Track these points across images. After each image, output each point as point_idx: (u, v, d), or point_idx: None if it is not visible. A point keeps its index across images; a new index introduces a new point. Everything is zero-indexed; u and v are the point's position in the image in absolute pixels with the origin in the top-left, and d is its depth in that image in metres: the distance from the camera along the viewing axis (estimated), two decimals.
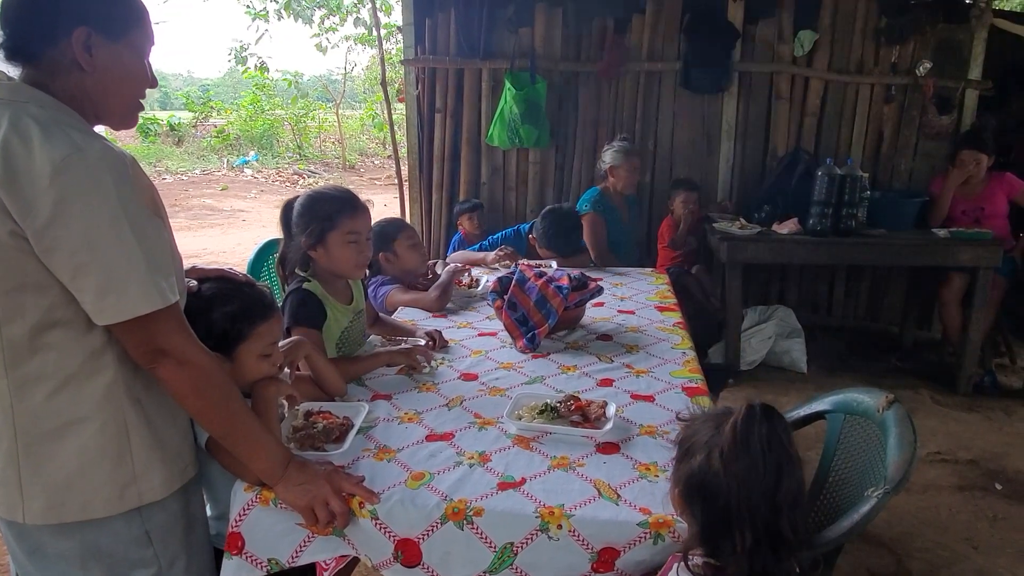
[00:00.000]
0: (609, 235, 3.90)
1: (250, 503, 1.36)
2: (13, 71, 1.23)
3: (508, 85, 4.38)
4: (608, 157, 3.98)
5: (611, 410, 1.64)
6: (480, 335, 2.26)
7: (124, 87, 1.26)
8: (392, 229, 2.65)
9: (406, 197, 5.06)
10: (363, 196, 2.01)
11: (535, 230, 3.21)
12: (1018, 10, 8.41)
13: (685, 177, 4.40)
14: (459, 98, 4.67)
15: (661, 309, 2.54)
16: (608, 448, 1.54)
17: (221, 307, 1.43)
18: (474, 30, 4.50)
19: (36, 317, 1.17)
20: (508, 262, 3.06)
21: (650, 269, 3.23)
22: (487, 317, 2.44)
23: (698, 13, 4.33)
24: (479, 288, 2.75)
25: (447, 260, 3.17)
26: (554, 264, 3.04)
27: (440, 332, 2.16)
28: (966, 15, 4.21)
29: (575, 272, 2.34)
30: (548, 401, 1.66)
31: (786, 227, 3.97)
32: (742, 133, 4.50)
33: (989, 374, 4.08)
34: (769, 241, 3.87)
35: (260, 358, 1.47)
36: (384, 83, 5.01)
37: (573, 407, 1.64)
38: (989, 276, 3.81)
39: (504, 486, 1.38)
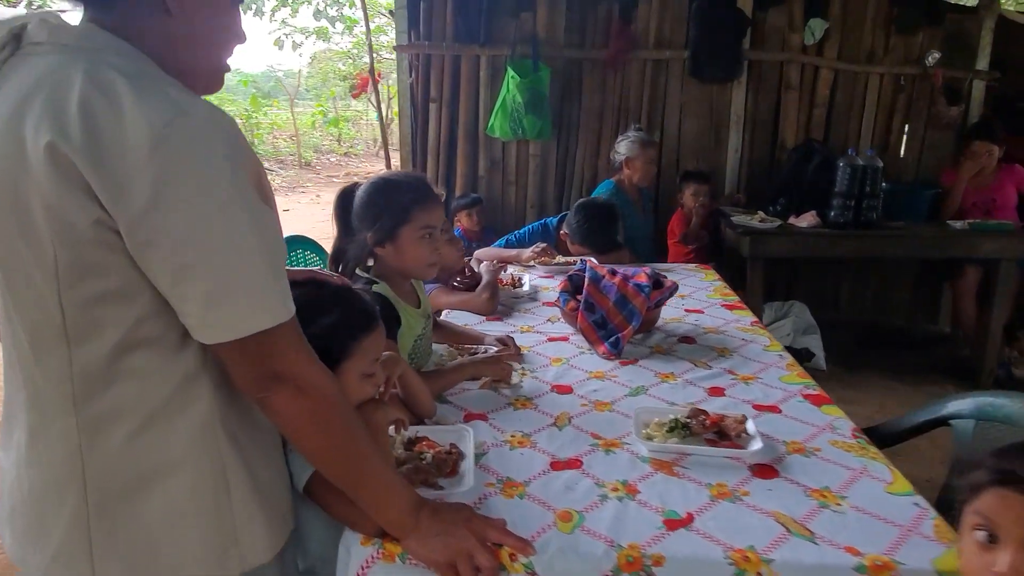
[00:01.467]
0: (626, 230, 3.70)
1: (371, 559, 1.10)
2: (72, 16, 0.94)
3: (511, 73, 4.14)
4: (623, 148, 3.79)
5: (751, 426, 1.43)
6: (550, 340, 2.02)
7: (214, 38, 0.98)
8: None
9: None
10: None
11: (567, 225, 2.98)
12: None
13: (695, 169, 4.24)
14: (455, 87, 4.41)
15: (729, 307, 2.36)
16: (764, 471, 1.33)
17: (320, 318, 1.16)
18: (473, 15, 4.24)
19: (118, 335, 0.89)
20: (545, 259, 2.83)
21: (694, 265, 3.05)
22: (548, 320, 2.21)
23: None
24: (524, 287, 2.51)
25: (476, 257, 2.91)
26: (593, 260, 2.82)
27: (512, 338, 1.91)
28: (974, 5, 4.17)
29: (647, 268, 2.13)
30: (677, 417, 1.44)
31: (805, 220, 3.84)
32: (751, 123, 4.36)
33: (1003, 366, 4.04)
34: (792, 235, 3.74)
35: (363, 378, 1.21)
36: (372, 71, 4.70)
37: (707, 423, 1.42)
38: (1012, 268, 3.76)
39: (672, 524, 1.16)
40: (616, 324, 1.93)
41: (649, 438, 1.40)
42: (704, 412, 1.47)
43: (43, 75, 0.84)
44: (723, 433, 1.42)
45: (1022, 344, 4.33)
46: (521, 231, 3.21)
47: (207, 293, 0.86)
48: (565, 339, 2.03)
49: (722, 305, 2.38)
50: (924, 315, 4.59)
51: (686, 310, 2.31)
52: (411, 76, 4.42)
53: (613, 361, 1.86)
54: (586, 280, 2.03)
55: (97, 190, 0.81)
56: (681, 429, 1.41)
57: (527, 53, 4.22)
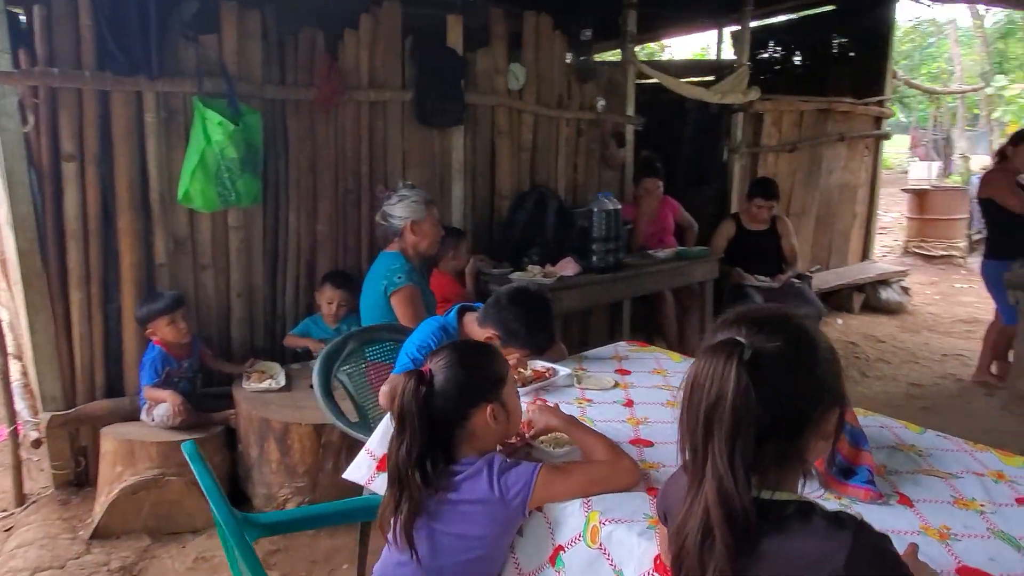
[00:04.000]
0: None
1: None
2: None
3: (215, 118, 2.97)
4: (403, 211, 3.07)
5: None
6: None
7: None
8: (495, 371, 1.48)
9: (17, 303, 2.99)
10: None
11: (494, 322, 2.20)
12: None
13: (447, 224, 3.73)
14: (105, 137, 2.97)
15: None
16: None
17: None
18: (130, 33, 2.89)
19: None
20: (521, 370, 2.06)
21: (634, 345, 2.58)
22: None
23: (421, 36, 3.70)
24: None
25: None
26: (539, 364, 2.18)
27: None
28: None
29: None
30: None
31: (567, 268, 3.76)
32: (471, 170, 4.06)
33: None
34: (581, 286, 3.63)
35: None
36: None
37: None
38: (711, 287, 4.36)
39: None
40: (846, 456, 1.49)
41: None
42: None
43: None
44: None
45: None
46: (421, 343, 2.25)
47: None
48: None
49: None
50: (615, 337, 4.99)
51: None
52: (27, 123, 2.80)
53: (887, 504, 1.43)
54: None
55: None
56: None
57: (218, 91, 3.09)
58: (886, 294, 6.34)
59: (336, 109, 3.51)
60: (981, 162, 11.33)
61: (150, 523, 2.76)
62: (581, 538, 1.39)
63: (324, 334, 3.43)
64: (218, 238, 3.30)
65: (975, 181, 8.78)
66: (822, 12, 6.57)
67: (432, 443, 1.40)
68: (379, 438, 1.95)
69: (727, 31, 6.98)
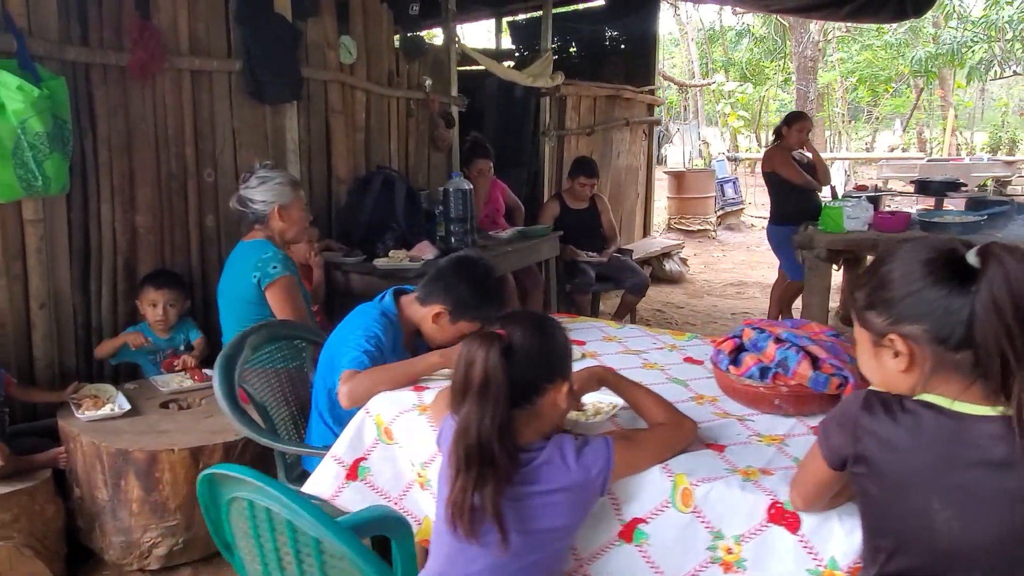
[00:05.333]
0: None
1: None
2: None
3: (16, 82, 2.35)
4: (267, 194, 2.66)
5: None
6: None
7: None
8: (568, 344, 1.33)
9: None
10: None
11: (442, 297, 1.96)
12: None
13: None
14: None
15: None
16: None
17: None
18: None
19: None
20: None
21: (606, 320, 2.45)
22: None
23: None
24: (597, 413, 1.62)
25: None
26: None
27: None
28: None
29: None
30: None
31: (426, 252, 3.58)
32: (306, 151, 3.69)
33: None
34: None
35: None
36: None
37: None
38: (555, 263, 4.44)
39: None
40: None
41: None
42: None
43: None
44: None
45: None
46: (367, 332, 1.91)
47: None
48: None
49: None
50: None
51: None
52: None
53: None
54: (785, 349, 1.55)
55: None
56: None
57: (6, 50, 2.46)
58: (669, 265, 7.00)
59: (154, 79, 2.96)
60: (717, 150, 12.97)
61: None
62: (670, 504, 1.31)
63: (156, 345, 2.90)
64: (10, 237, 2.62)
65: (715, 165, 10.08)
66: (595, 7, 7.03)
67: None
68: (347, 444, 1.69)
69: (505, 21, 7.23)
